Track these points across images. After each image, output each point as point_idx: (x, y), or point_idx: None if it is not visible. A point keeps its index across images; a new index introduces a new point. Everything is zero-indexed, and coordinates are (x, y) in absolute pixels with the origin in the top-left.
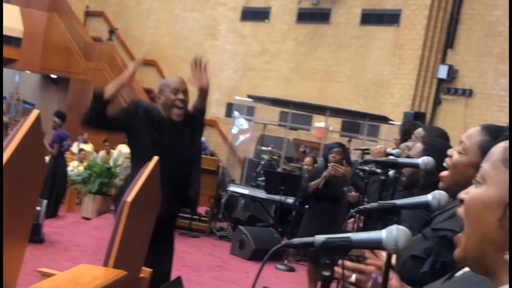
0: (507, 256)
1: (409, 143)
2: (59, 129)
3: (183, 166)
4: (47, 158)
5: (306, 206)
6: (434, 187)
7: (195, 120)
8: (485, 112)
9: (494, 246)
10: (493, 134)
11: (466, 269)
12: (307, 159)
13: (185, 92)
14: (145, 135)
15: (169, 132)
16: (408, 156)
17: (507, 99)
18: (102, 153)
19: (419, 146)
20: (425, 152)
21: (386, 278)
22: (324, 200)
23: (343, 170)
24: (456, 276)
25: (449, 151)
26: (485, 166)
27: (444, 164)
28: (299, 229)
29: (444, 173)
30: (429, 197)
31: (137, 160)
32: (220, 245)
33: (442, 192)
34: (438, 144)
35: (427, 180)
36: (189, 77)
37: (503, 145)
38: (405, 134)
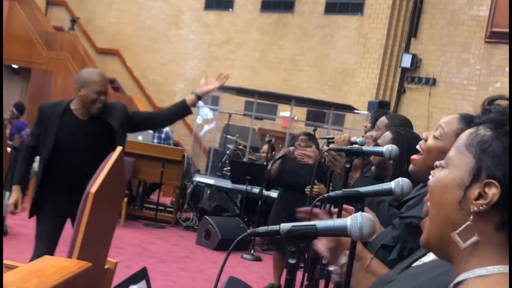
0: (454, 235)
1: (373, 133)
2: (16, 120)
3: (81, 167)
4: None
5: (274, 196)
6: (404, 176)
7: (117, 122)
8: (449, 101)
9: (454, 228)
10: (470, 124)
11: (425, 258)
12: (265, 147)
13: (106, 93)
14: (48, 134)
15: (71, 130)
16: (377, 145)
17: (470, 87)
18: None
19: (387, 135)
20: (394, 141)
21: (350, 265)
22: (293, 189)
23: (309, 152)
24: (413, 266)
25: (424, 135)
26: (451, 151)
27: (417, 147)
28: (268, 218)
29: (416, 157)
30: (392, 184)
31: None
32: (186, 236)
33: (405, 179)
34: (407, 133)
35: (397, 170)
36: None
37: (469, 131)
38: (376, 121)
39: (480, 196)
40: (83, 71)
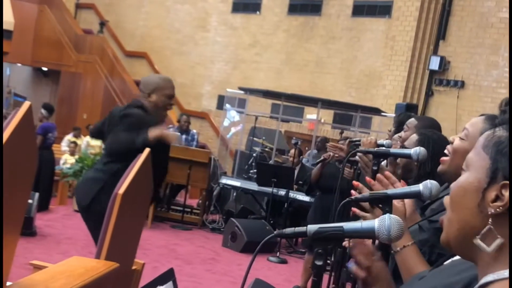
0: (477, 241)
1: (402, 133)
2: (45, 121)
3: (160, 166)
4: None
5: (300, 198)
6: (428, 178)
7: None
8: (477, 104)
9: (473, 231)
10: (495, 124)
11: (456, 257)
12: (292, 151)
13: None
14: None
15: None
16: (403, 147)
17: (499, 90)
18: None
19: (414, 137)
20: (420, 143)
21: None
22: (332, 192)
23: (340, 147)
24: (445, 264)
25: (451, 138)
26: (470, 153)
27: (445, 151)
28: (306, 220)
29: (445, 158)
30: (420, 186)
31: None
32: (212, 238)
33: (433, 181)
34: (433, 135)
35: (421, 171)
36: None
37: (487, 132)
38: (400, 125)
39: (497, 198)
40: (151, 77)
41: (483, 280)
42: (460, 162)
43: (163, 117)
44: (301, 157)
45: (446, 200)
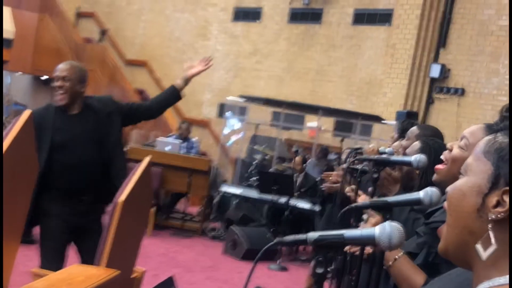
0: (478, 246)
1: (403, 142)
2: None
3: (81, 165)
4: None
5: (301, 206)
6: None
7: (108, 112)
8: (478, 111)
9: (473, 236)
10: (496, 131)
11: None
12: (297, 159)
13: (64, 78)
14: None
15: (64, 127)
16: (406, 155)
17: (500, 98)
18: None
19: (416, 144)
20: (421, 151)
21: (379, 274)
22: (343, 205)
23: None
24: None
25: (449, 145)
26: (469, 159)
27: (442, 157)
28: (306, 227)
29: (440, 166)
30: (421, 194)
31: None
32: (212, 245)
33: (433, 189)
34: (435, 144)
35: (422, 181)
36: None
37: (487, 138)
38: (403, 132)
39: (498, 203)
40: None
41: (479, 287)
42: (457, 172)
43: (57, 100)
44: (304, 165)
45: (445, 205)
